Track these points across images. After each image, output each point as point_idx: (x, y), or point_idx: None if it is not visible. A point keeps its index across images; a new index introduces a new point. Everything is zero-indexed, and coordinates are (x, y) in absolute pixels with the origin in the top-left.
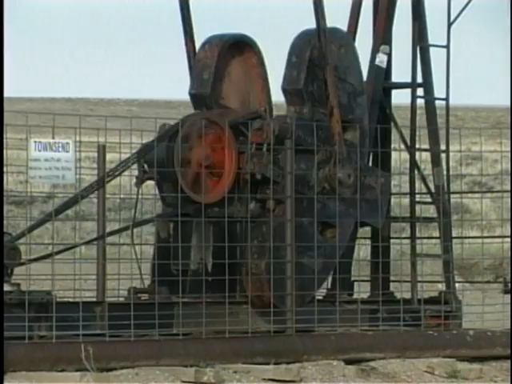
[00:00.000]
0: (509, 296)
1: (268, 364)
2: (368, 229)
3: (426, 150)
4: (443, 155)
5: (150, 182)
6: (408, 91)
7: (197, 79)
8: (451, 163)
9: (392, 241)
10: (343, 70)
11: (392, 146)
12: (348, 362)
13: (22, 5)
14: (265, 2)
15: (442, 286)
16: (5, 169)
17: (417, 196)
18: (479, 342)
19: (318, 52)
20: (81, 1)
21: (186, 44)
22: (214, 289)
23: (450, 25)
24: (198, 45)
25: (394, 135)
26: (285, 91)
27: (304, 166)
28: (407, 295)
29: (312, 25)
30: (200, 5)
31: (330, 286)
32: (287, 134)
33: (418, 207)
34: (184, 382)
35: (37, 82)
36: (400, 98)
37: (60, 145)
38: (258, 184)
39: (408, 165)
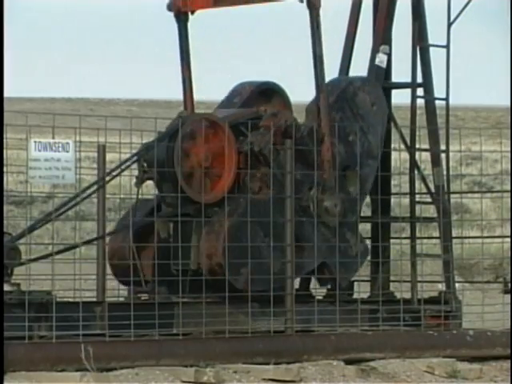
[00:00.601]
0: (509, 296)
1: (268, 364)
2: (368, 228)
3: (426, 150)
4: (443, 155)
5: (150, 182)
6: (408, 91)
7: (226, 101)
8: (451, 163)
9: (392, 241)
10: (368, 125)
11: (392, 145)
12: (348, 362)
13: (21, 5)
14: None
15: (441, 286)
16: (5, 169)
17: (417, 196)
18: (479, 342)
19: (352, 90)
20: (81, 1)
21: (182, 70)
22: (213, 289)
23: (449, 25)
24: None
25: (394, 135)
26: (308, 110)
27: (298, 176)
28: (407, 295)
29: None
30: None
31: (329, 286)
32: (297, 130)
33: (418, 207)
34: (184, 382)
35: (37, 82)
36: (400, 98)
37: (60, 145)
38: (252, 163)
39: (408, 165)
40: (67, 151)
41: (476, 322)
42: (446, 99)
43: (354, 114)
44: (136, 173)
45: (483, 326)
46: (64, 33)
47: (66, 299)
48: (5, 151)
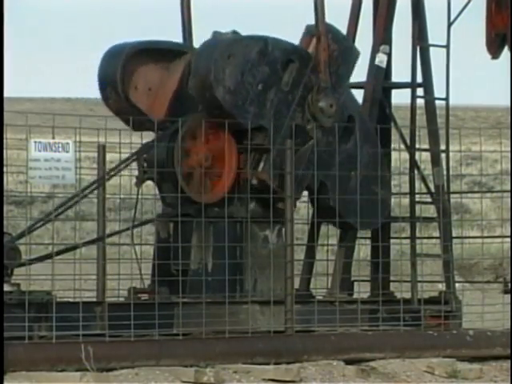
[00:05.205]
0: (509, 296)
1: (268, 364)
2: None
3: (426, 149)
4: (443, 155)
5: (150, 182)
6: (408, 91)
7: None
8: (451, 163)
9: (392, 241)
10: None
11: (392, 145)
12: (348, 362)
13: (22, 5)
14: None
15: (442, 286)
16: (5, 169)
17: (417, 196)
18: (479, 342)
19: None
20: (81, 0)
21: (182, 10)
22: (213, 289)
23: (449, 25)
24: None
25: (394, 135)
26: None
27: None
28: (407, 295)
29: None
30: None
31: (329, 286)
32: None
33: (418, 207)
34: (184, 382)
35: (37, 82)
36: (400, 97)
37: (60, 145)
38: None
39: (408, 165)
40: (67, 151)
41: (476, 322)
42: (446, 99)
43: None
44: (136, 173)
45: (483, 325)
46: (64, 32)
47: (66, 299)
48: (5, 151)
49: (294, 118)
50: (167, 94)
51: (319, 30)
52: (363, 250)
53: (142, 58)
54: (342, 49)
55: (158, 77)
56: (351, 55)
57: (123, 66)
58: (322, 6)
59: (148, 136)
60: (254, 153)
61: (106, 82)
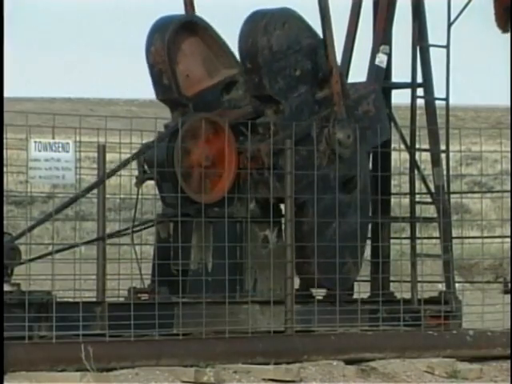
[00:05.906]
0: (509, 296)
1: (268, 364)
2: (368, 229)
3: (426, 150)
4: (443, 155)
5: (150, 182)
6: (408, 91)
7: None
8: (451, 163)
9: (392, 241)
10: None
11: (392, 145)
12: (348, 362)
13: (22, 4)
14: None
15: (442, 286)
16: (5, 169)
17: (417, 196)
18: (479, 342)
19: None
20: (81, 0)
21: None
22: (213, 289)
23: (449, 25)
24: None
25: (394, 135)
26: None
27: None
28: (407, 295)
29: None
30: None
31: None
32: None
33: (418, 207)
34: (184, 381)
35: (37, 82)
36: (400, 98)
37: (60, 145)
38: None
39: (408, 165)
40: (67, 151)
41: (476, 322)
42: (446, 99)
43: None
44: (136, 173)
45: (483, 326)
46: (64, 32)
47: (65, 299)
48: (5, 151)
49: (309, 127)
50: (201, 85)
51: (330, 63)
52: None
53: (193, 36)
54: (376, 116)
55: (199, 75)
56: (382, 130)
57: (175, 31)
58: (332, 40)
59: (148, 136)
60: (261, 131)
61: (156, 30)
